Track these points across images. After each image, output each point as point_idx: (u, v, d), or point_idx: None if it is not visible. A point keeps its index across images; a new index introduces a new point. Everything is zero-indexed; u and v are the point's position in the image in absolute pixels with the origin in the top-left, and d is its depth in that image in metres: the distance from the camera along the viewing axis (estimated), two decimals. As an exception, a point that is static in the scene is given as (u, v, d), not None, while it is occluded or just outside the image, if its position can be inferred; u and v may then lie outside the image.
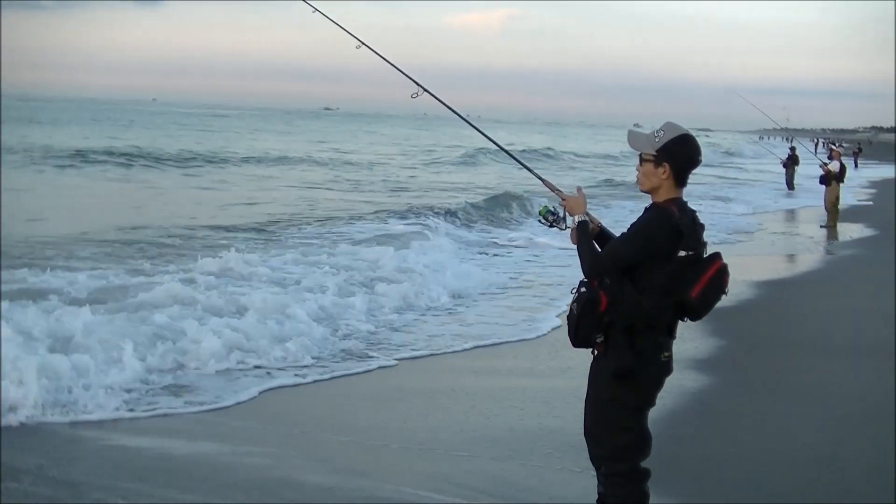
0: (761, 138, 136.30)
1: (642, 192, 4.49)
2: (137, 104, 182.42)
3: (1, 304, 9.00)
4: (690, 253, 4.30)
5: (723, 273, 4.36)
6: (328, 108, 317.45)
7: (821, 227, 22.22)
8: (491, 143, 5.76)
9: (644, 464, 4.52)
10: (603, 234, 4.61)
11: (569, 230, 4.67)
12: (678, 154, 4.36)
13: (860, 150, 66.11)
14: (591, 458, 4.58)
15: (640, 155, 4.43)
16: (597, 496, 4.58)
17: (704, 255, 4.38)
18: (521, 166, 5.63)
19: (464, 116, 6.00)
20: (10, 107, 77.66)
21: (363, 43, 6.15)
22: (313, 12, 6.64)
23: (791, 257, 17.60)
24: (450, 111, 5.84)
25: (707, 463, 6.41)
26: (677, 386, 7.42)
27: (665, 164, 4.34)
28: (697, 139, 4.48)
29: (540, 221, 4.82)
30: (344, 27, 6.35)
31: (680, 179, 4.39)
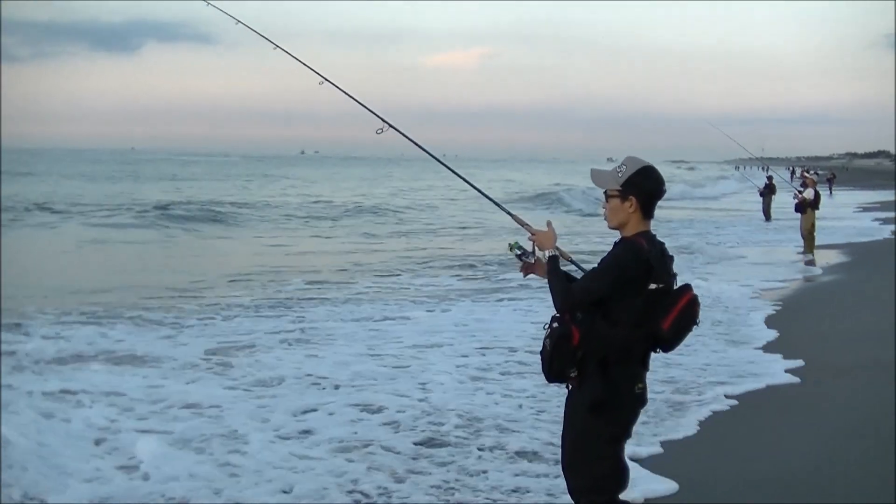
0: (737, 168, 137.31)
1: (610, 228, 4.54)
2: (116, 153, 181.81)
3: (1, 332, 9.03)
4: (661, 286, 4.35)
5: (693, 304, 4.42)
6: (303, 152, 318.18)
7: (797, 254, 22.36)
8: (459, 178, 5.73)
9: (623, 496, 4.55)
10: (567, 274, 4.63)
11: (533, 266, 4.73)
12: (643, 186, 4.42)
13: (834, 176, 66.83)
14: (570, 493, 4.60)
15: (605, 192, 4.50)
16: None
17: (675, 287, 4.43)
18: (494, 204, 5.50)
19: (429, 151, 5.93)
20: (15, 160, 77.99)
21: (325, 79, 6.15)
22: (274, 49, 6.66)
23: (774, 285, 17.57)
24: (412, 148, 5.80)
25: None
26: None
27: (631, 197, 4.41)
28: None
29: (509, 255, 4.85)
30: (306, 63, 6.35)
31: (647, 211, 4.45)
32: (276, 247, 24.73)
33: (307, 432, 7.72)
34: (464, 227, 31.25)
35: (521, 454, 7.19)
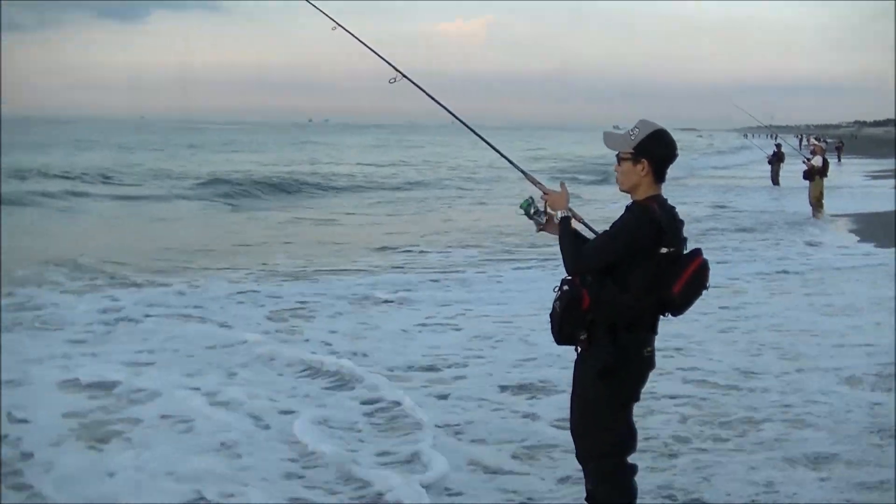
0: (746, 136, 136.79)
1: (622, 191, 4.51)
2: (126, 123, 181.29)
3: (0, 319, 9.02)
4: (672, 250, 4.33)
5: (704, 269, 4.40)
6: (311, 121, 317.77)
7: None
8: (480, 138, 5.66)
9: (631, 459, 4.56)
10: (578, 234, 4.60)
11: (545, 225, 4.72)
12: (655, 149, 4.38)
13: (842, 144, 66.53)
14: (578, 457, 4.60)
15: (618, 155, 4.46)
16: (585, 494, 4.60)
17: (685, 252, 4.41)
18: (510, 164, 5.37)
19: (443, 104, 5.76)
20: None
21: (338, 24, 6.01)
22: None
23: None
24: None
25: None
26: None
27: (643, 160, 4.37)
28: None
29: (519, 213, 4.80)
30: (320, 8, 6.19)
31: (659, 175, 4.41)
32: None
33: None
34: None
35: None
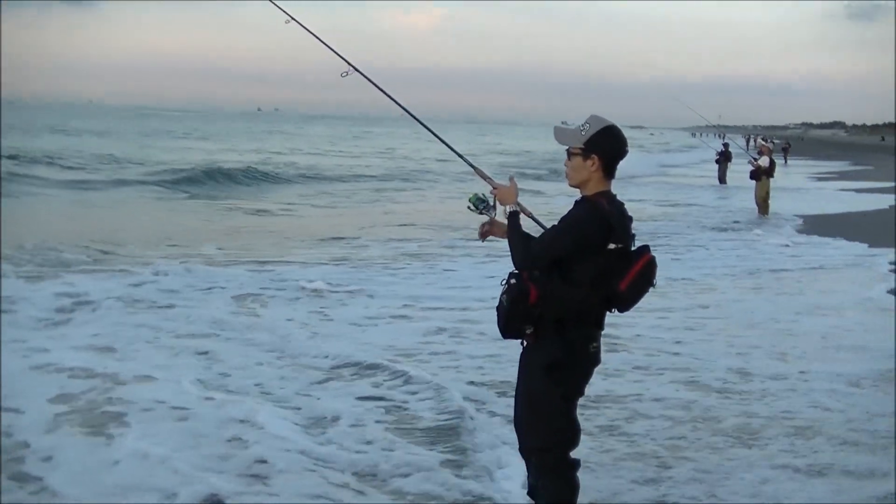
0: (694, 135, 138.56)
1: (571, 186, 4.51)
2: (73, 108, 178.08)
3: (1, 308, 8.86)
4: (620, 246, 4.34)
5: (651, 265, 4.41)
6: (259, 109, 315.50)
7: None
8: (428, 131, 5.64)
9: (573, 454, 4.57)
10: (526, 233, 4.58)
11: (491, 226, 4.69)
12: (605, 145, 4.39)
13: (789, 145, 67.43)
14: (521, 451, 4.62)
15: (568, 150, 4.46)
16: (527, 488, 4.61)
17: (633, 248, 4.43)
18: (459, 157, 5.39)
19: (394, 98, 5.67)
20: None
21: (292, 17, 5.95)
22: None
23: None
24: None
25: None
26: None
27: (593, 155, 4.37)
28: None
29: (469, 209, 4.78)
30: (274, 2, 6.06)
31: (608, 171, 4.42)
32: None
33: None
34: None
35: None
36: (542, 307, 4.31)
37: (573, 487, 4.55)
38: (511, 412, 4.68)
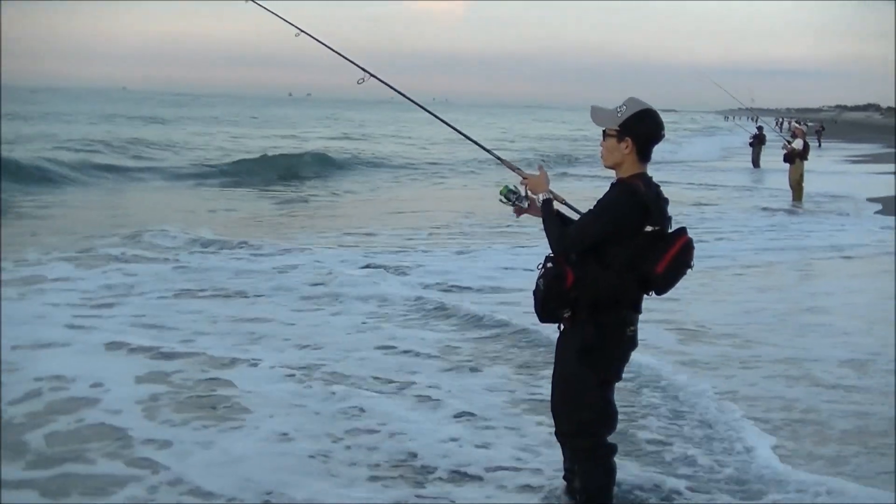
0: (727, 118, 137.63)
1: (606, 167, 4.49)
2: (109, 94, 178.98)
3: (0, 304, 8.95)
4: (656, 228, 4.31)
5: (688, 248, 4.37)
6: (291, 95, 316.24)
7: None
8: (447, 125, 5.66)
9: (611, 439, 4.55)
10: (561, 214, 4.58)
11: (528, 209, 4.68)
12: (640, 128, 4.36)
13: (823, 128, 66.68)
14: (557, 434, 4.61)
15: (604, 131, 4.43)
16: (563, 472, 4.61)
17: (669, 230, 4.39)
18: (482, 149, 5.48)
19: (410, 97, 5.78)
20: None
21: (301, 30, 6.02)
22: (246, 1, 6.38)
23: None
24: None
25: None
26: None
27: (627, 138, 4.35)
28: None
29: (501, 201, 4.78)
30: (280, 15, 6.18)
31: (643, 154, 4.39)
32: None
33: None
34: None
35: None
36: (578, 290, 4.29)
37: (610, 471, 4.54)
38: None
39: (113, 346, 8.20)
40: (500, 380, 7.44)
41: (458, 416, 6.55)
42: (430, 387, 7.23)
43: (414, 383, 7.32)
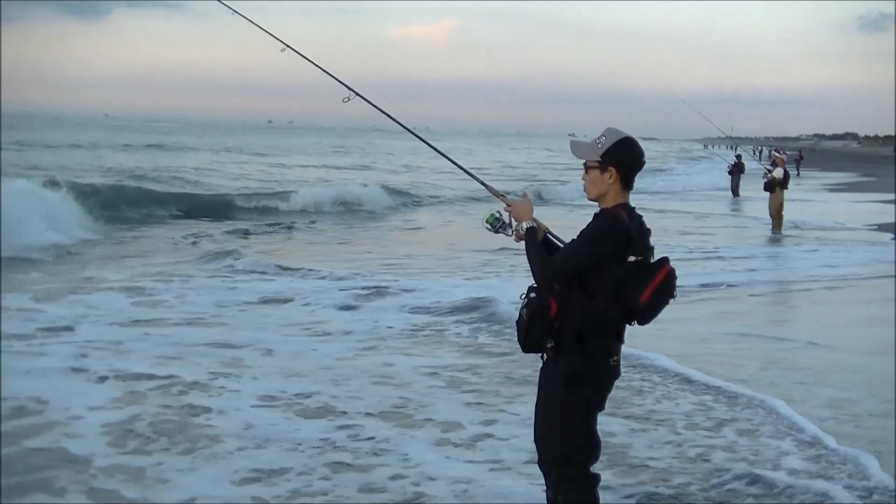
0: (706, 146, 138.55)
1: (590, 200, 4.49)
2: (91, 118, 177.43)
3: (1, 304, 8.87)
4: (639, 258, 4.33)
5: (671, 277, 4.39)
6: (271, 122, 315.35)
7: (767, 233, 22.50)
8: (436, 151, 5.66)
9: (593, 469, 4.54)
10: (546, 242, 4.60)
11: (513, 236, 4.68)
12: (622, 157, 4.38)
13: (801, 157, 67.20)
14: (540, 464, 4.58)
15: (585, 163, 4.44)
16: (546, 503, 4.58)
17: (652, 260, 4.41)
18: (468, 175, 5.45)
19: (396, 119, 5.76)
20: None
21: (287, 45, 5.96)
22: (232, 14, 6.40)
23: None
24: (384, 120, 5.65)
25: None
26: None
27: (610, 167, 4.36)
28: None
29: (486, 228, 4.79)
30: (267, 30, 6.15)
31: (626, 183, 4.41)
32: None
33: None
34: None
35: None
36: (561, 320, 4.29)
37: (593, 501, 4.52)
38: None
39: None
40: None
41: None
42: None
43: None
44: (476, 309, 11.29)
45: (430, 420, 7.22)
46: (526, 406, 6.68)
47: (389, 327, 10.56)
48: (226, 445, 6.53)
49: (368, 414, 7.34)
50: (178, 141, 75.48)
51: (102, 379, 8.07)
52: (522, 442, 6.30)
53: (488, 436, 6.86)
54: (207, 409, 7.32)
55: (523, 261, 4.50)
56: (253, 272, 14.19)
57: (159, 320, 10.62)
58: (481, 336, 10.18)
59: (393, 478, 6.00)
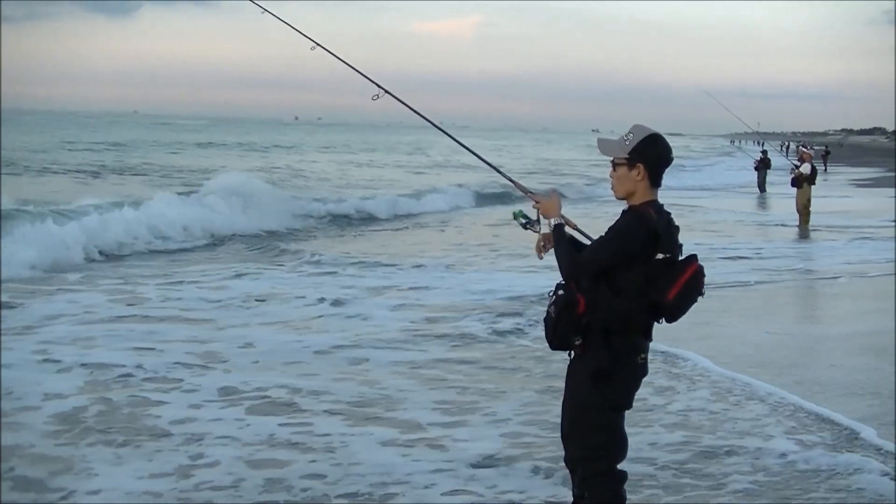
0: (733, 142, 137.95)
1: (618, 198, 4.48)
2: (121, 116, 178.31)
3: (1, 309, 8.98)
4: (667, 256, 4.32)
5: (699, 275, 4.37)
6: (297, 118, 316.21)
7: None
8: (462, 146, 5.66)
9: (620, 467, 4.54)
10: (573, 240, 4.60)
11: (540, 233, 4.68)
12: (650, 154, 4.37)
13: (828, 152, 66.70)
14: (567, 461, 4.58)
15: (613, 160, 4.44)
16: (572, 500, 4.58)
17: (680, 258, 4.40)
18: (496, 172, 5.49)
19: (427, 118, 5.76)
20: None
21: (318, 44, 5.99)
22: (262, 13, 6.44)
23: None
24: (411, 115, 5.67)
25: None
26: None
27: (639, 165, 4.35)
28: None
29: (518, 224, 4.78)
30: (297, 28, 6.16)
31: (654, 180, 4.40)
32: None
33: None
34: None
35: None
36: (589, 317, 4.29)
37: (620, 499, 4.52)
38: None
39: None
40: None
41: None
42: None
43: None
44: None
45: (391, 419, 7.17)
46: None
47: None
48: (163, 440, 6.56)
49: (327, 411, 7.32)
50: (220, 139, 75.41)
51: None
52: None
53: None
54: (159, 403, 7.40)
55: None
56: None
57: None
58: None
59: (309, 476, 5.98)
